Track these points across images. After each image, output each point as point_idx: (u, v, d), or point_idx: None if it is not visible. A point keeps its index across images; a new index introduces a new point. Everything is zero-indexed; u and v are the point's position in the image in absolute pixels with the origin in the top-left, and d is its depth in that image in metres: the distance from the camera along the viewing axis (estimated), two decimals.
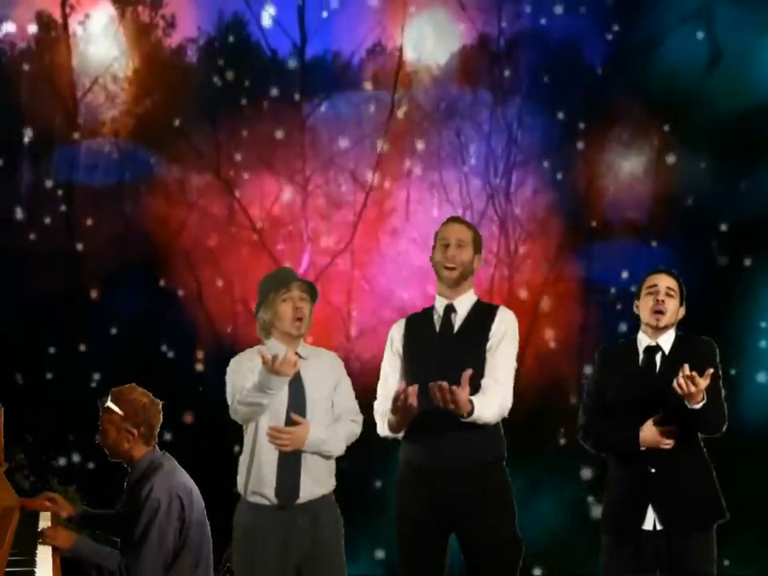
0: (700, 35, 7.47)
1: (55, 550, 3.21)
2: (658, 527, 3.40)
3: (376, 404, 3.56)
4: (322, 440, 3.43)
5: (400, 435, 3.45)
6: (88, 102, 7.56)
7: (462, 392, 3.18)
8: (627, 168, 7.73)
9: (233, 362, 3.56)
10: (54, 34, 7.47)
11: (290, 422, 3.42)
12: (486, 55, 7.81)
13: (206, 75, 7.66)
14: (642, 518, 3.41)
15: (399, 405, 3.24)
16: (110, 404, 3.38)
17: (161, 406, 3.46)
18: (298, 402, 3.44)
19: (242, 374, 3.46)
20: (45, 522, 3.51)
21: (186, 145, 7.58)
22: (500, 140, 7.80)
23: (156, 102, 7.57)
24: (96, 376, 7.27)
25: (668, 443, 3.36)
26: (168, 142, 7.57)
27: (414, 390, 3.21)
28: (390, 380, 3.55)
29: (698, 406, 3.23)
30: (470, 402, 3.25)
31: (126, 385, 3.47)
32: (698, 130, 7.30)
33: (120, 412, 3.37)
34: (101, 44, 7.53)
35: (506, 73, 7.79)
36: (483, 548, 3.40)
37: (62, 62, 7.49)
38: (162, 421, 3.46)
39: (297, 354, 3.40)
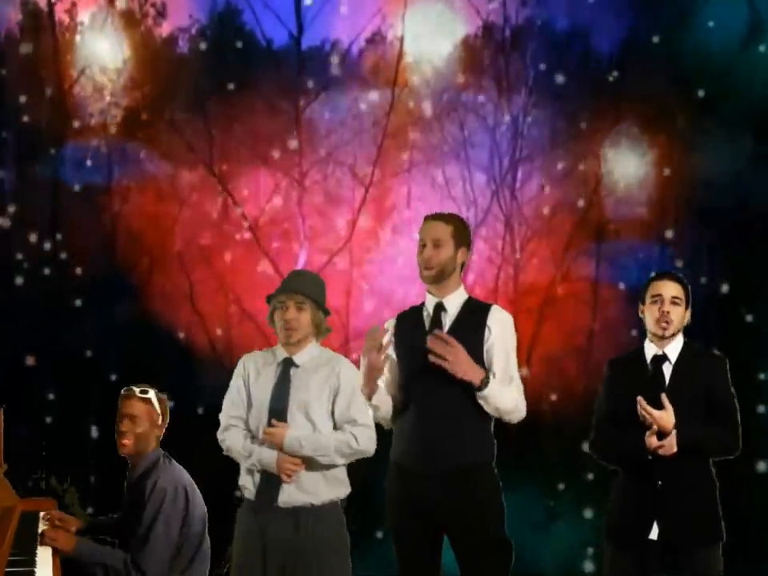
0: (738, 4, 7.18)
1: (55, 551, 3.30)
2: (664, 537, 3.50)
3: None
4: (299, 442, 3.44)
5: (374, 400, 3.54)
6: (75, 94, 7.44)
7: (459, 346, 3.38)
8: (641, 162, 7.61)
9: (238, 363, 3.71)
10: (39, 23, 7.33)
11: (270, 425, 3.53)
12: (490, 45, 7.72)
13: (198, 66, 7.56)
14: (646, 528, 3.49)
15: (372, 341, 3.41)
16: (153, 398, 3.59)
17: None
18: (278, 407, 3.52)
19: (234, 387, 3.64)
20: (44, 523, 3.63)
21: (178, 139, 7.48)
22: (505, 134, 7.71)
23: (146, 94, 7.46)
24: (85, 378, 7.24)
25: (663, 447, 3.42)
26: (158, 135, 7.47)
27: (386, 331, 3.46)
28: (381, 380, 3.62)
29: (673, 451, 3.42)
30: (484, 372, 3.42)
31: (155, 388, 3.67)
32: (732, 116, 7.07)
33: (158, 411, 3.59)
34: (88, 33, 7.42)
35: (512, 63, 7.69)
36: (476, 549, 3.48)
37: (47, 52, 7.37)
38: None
39: (291, 360, 3.57)
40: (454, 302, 3.62)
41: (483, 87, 7.72)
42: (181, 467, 3.58)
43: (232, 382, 3.65)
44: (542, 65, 7.61)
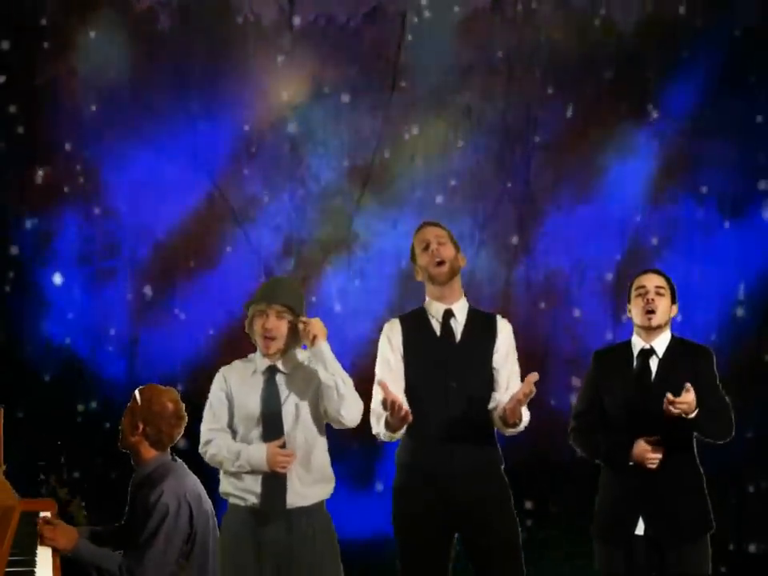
0: None
1: (55, 550, 3.43)
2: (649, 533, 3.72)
3: (373, 404, 3.83)
4: (334, 359, 3.76)
5: (397, 435, 3.76)
6: (44, 75, 7.13)
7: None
8: (666, 150, 7.37)
9: (217, 375, 3.93)
10: None
11: (265, 436, 3.76)
12: (500, 19, 7.49)
13: (180, 44, 7.30)
14: (632, 524, 3.72)
15: (394, 415, 3.56)
16: (136, 393, 3.69)
17: (184, 421, 3.71)
18: (270, 415, 3.75)
19: (215, 400, 3.87)
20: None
21: (159, 125, 7.26)
22: (517, 118, 7.53)
23: (123, 74, 7.18)
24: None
25: (654, 460, 3.66)
26: (137, 121, 7.22)
27: (401, 405, 3.57)
28: (387, 379, 3.77)
29: (693, 415, 3.56)
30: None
31: (166, 387, 3.76)
32: None
33: (138, 403, 3.66)
34: (58, 8, 7.11)
35: (525, 39, 7.47)
36: (494, 549, 3.75)
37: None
38: (180, 433, 3.70)
39: (275, 366, 3.82)
40: (461, 310, 3.88)
41: (493, 66, 7.51)
42: (190, 475, 3.67)
43: (212, 395, 3.87)
44: (558, 40, 7.40)
